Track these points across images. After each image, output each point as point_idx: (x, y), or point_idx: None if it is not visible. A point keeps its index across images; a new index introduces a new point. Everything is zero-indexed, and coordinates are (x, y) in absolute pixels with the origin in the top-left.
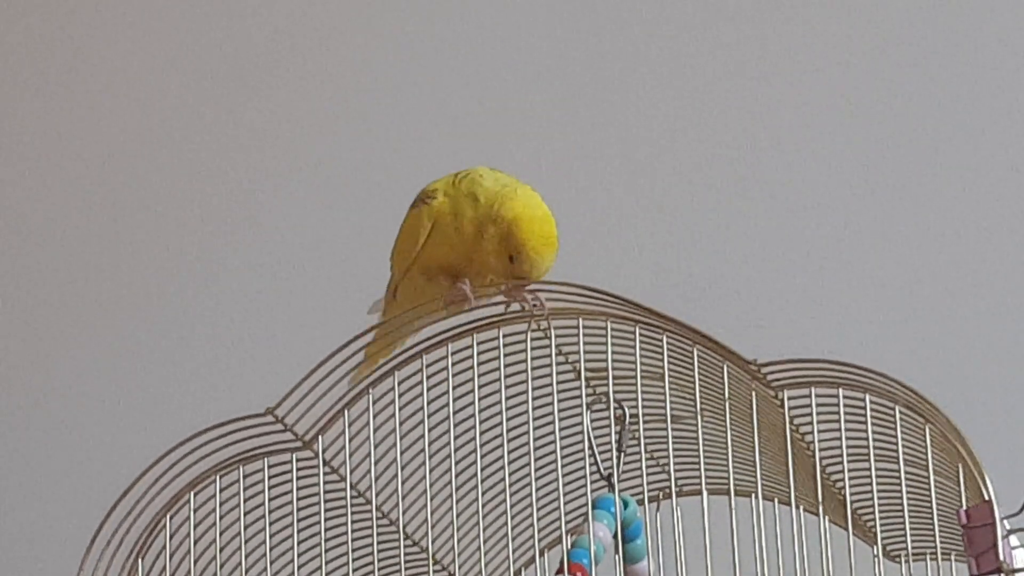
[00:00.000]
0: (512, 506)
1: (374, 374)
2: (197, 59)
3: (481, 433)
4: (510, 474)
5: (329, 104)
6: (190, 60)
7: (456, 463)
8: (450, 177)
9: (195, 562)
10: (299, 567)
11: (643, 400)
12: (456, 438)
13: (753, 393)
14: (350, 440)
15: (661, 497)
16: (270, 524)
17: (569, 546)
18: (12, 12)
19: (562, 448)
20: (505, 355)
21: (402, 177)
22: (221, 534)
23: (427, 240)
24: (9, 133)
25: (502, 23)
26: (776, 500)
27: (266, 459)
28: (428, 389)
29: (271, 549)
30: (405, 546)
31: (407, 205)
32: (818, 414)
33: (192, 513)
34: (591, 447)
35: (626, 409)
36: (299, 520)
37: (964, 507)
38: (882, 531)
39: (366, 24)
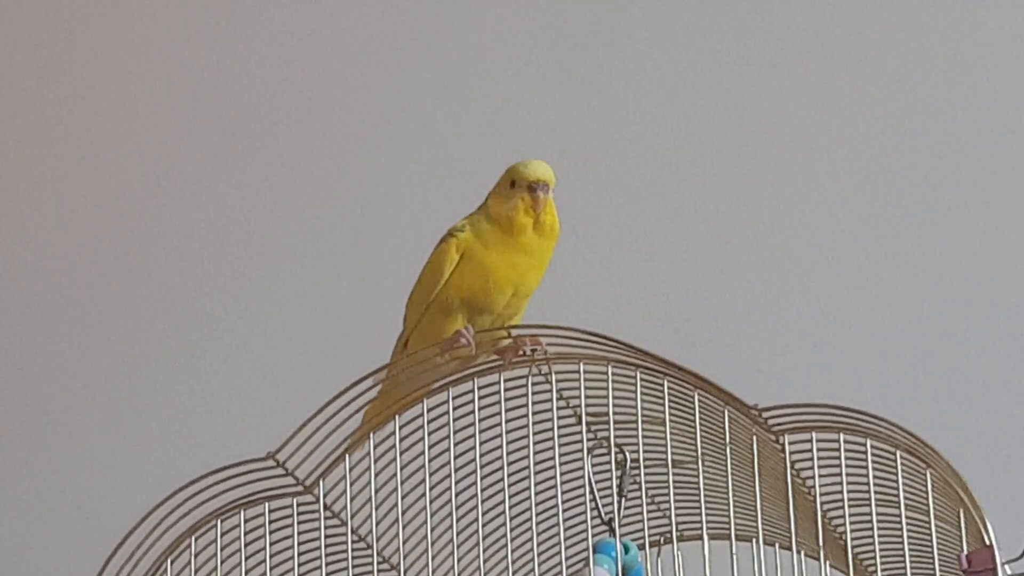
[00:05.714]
0: (513, 550)
1: (376, 418)
2: (196, 112)
3: (482, 478)
4: (511, 518)
5: (337, 144)
6: (188, 116)
7: (457, 508)
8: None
9: None
10: None
11: (644, 445)
12: (457, 483)
13: (754, 438)
14: (351, 484)
15: (662, 542)
16: (271, 569)
17: None
18: (25, 39)
19: (563, 492)
20: (506, 399)
21: (406, 221)
22: None
23: (454, 271)
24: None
25: (488, 81)
26: (777, 545)
27: (267, 503)
28: (429, 433)
29: None
30: None
31: (410, 249)
32: (819, 459)
33: (193, 558)
34: (592, 491)
35: (627, 454)
36: (300, 565)
37: (965, 552)
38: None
39: (364, 76)
